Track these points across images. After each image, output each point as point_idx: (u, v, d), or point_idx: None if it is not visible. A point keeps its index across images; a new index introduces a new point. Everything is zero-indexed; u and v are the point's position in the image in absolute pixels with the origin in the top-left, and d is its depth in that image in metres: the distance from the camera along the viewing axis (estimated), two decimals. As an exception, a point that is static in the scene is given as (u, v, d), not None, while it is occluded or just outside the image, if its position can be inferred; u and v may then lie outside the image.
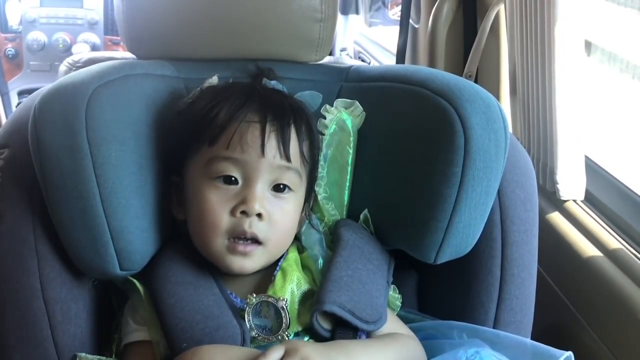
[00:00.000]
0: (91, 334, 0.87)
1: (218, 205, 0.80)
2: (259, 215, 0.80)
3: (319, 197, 0.93)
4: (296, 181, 0.84)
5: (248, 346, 0.78)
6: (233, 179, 0.81)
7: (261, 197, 0.81)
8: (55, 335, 0.83)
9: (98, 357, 0.84)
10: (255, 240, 0.81)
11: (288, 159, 0.82)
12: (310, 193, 0.90)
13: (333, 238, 0.90)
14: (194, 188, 0.83)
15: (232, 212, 0.80)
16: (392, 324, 0.86)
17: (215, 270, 0.85)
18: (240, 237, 0.80)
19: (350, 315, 0.80)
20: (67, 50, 2.54)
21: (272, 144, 0.81)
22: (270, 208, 0.82)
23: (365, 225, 0.93)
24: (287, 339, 0.79)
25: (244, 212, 0.80)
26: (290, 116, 0.84)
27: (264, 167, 0.81)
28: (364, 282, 0.84)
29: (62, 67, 1.32)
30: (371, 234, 0.93)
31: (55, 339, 0.83)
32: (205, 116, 0.83)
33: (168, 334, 0.79)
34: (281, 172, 0.82)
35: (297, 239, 0.90)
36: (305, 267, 0.88)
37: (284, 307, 0.79)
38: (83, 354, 0.84)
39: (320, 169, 0.93)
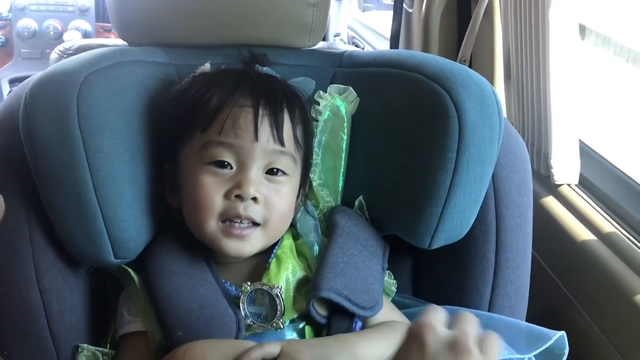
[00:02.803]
0: (87, 323, 0.87)
1: (212, 188, 0.80)
2: (254, 199, 0.80)
3: (314, 184, 0.93)
4: (290, 165, 0.84)
5: (243, 334, 0.78)
6: (226, 164, 0.81)
7: (256, 181, 0.80)
8: (52, 325, 0.83)
9: (101, 349, 0.84)
10: (253, 223, 0.81)
11: (282, 143, 0.82)
12: (305, 179, 0.90)
13: (328, 225, 0.90)
14: (187, 174, 0.83)
15: (227, 196, 0.80)
16: (387, 310, 0.86)
17: (210, 259, 0.85)
18: (235, 221, 0.80)
19: (347, 301, 0.80)
20: (58, 38, 2.51)
21: (265, 128, 0.81)
22: (266, 191, 0.81)
23: (360, 212, 0.93)
24: (282, 326, 0.79)
25: (238, 196, 0.80)
26: (283, 100, 0.83)
27: (257, 151, 0.81)
28: (359, 268, 0.84)
29: (53, 55, 1.31)
30: (366, 220, 0.93)
31: (52, 328, 0.83)
32: (197, 102, 0.82)
33: (163, 323, 0.79)
34: (275, 156, 0.82)
35: (292, 225, 0.90)
36: (300, 253, 0.88)
37: (278, 294, 0.79)
38: (85, 345, 0.84)
39: (314, 156, 0.93)
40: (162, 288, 0.80)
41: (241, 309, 0.79)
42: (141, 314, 0.82)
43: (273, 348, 0.73)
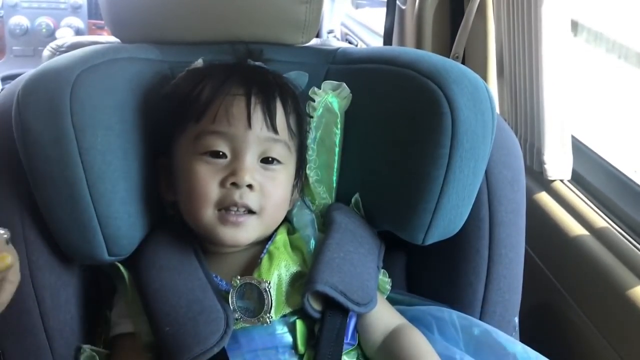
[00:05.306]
0: (81, 320, 0.87)
1: (207, 177, 0.80)
2: (250, 186, 0.80)
3: (311, 180, 0.93)
4: (285, 153, 0.84)
5: (231, 330, 0.77)
6: (221, 153, 0.81)
7: (251, 168, 0.81)
8: (46, 322, 0.82)
9: (102, 350, 0.84)
10: (249, 211, 0.81)
11: (275, 131, 0.82)
12: (301, 169, 0.90)
13: (325, 221, 0.90)
14: (183, 165, 0.83)
15: (222, 184, 0.80)
16: (383, 308, 0.87)
17: (200, 253, 0.85)
18: (231, 209, 0.80)
19: (342, 297, 0.80)
20: (51, 35, 2.50)
21: (258, 115, 0.81)
22: (261, 179, 0.81)
23: (357, 209, 0.93)
24: (268, 322, 0.79)
25: (234, 184, 0.80)
26: (275, 89, 0.84)
27: (251, 139, 0.81)
28: (355, 264, 0.84)
29: (46, 52, 1.30)
30: (362, 217, 0.93)
31: (46, 325, 0.82)
32: (190, 94, 0.83)
33: (151, 319, 0.79)
34: (269, 144, 0.82)
35: (287, 220, 0.90)
36: (295, 248, 0.88)
37: (266, 289, 0.79)
38: (87, 346, 0.84)
39: (310, 152, 0.93)
40: (150, 284, 0.80)
41: (230, 303, 0.80)
42: (130, 313, 0.82)
43: None
